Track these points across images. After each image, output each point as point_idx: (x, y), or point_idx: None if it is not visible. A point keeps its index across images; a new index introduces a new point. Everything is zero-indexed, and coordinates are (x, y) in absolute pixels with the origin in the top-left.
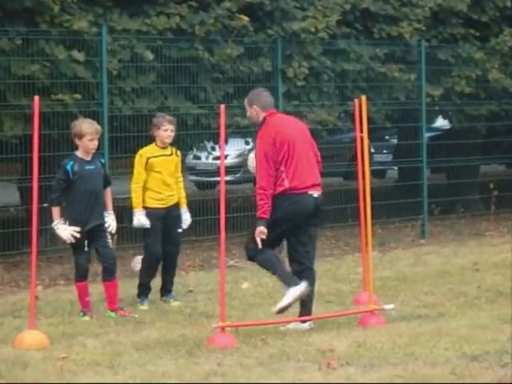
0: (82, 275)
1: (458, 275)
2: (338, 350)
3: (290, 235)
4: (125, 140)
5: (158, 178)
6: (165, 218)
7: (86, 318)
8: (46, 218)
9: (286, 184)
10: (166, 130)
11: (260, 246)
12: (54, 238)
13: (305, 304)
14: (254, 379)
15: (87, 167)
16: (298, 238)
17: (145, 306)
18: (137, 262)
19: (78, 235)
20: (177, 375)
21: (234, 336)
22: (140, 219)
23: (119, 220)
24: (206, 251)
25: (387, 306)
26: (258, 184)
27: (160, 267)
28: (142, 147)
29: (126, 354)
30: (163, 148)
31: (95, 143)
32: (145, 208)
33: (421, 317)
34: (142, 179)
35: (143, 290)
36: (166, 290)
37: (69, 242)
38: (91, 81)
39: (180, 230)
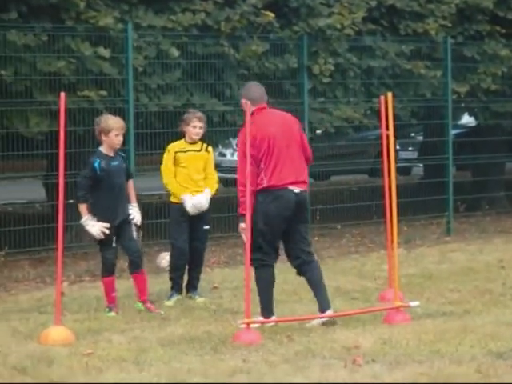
0: (109, 270)
1: (483, 272)
2: (364, 347)
3: (282, 233)
4: (150, 137)
5: (184, 173)
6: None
7: (112, 313)
8: (71, 215)
9: (265, 182)
10: (195, 127)
11: (245, 240)
12: (80, 234)
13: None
14: (279, 376)
15: (113, 163)
16: (290, 236)
17: (170, 302)
18: (162, 258)
19: (108, 231)
20: (202, 372)
21: (260, 333)
22: (193, 201)
23: (144, 217)
24: (231, 248)
25: (413, 303)
26: (238, 180)
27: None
28: (167, 144)
29: (151, 350)
30: (192, 143)
31: (121, 139)
32: (171, 202)
33: (446, 314)
34: (172, 172)
35: (173, 285)
36: (191, 286)
37: (98, 238)
38: (117, 77)
39: (207, 227)
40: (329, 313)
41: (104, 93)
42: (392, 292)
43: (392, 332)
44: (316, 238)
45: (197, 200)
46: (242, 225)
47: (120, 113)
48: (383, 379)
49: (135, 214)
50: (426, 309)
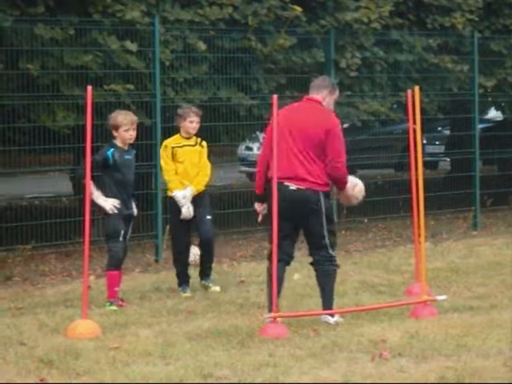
0: (115, 264)
1: (510, 267)
2: (390, 341)
3: (290, 229)
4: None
5: (181, 169)
6: (193, 206)
7: (113, 307)
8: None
9: (268, 174)
10: (192, 122)
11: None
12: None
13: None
14: (306, 370)
15: (126, 156)
16: (304, 233)
17: (187, 293)
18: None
19: (119, 206)
20: (229, 365)
21: (286, 327)
22: (180, 196)
23: (165, 211)
24: (257, 242)
25: (439, 297)
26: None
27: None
28: (199, 139)
29: (177, 344)
30: (187, 138)
31: (131, 133)
32: (170, 198)
33: (473, 308)
34: (173, 169)
35: (181, 278)
36: (204, 274)
37: (111, 212)
38: (144, 71)
39: (209, 217)
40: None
41: (131, 87)
42: (419, 286)
43: (419, 326)
44: (343, 232)
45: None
46: (256, 204)
47: (147, 107)
48: (410, 373)
49: (134, 208)
50: (453, 303)
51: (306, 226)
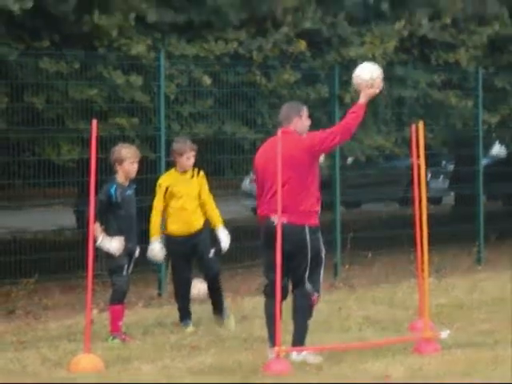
0: (119, 298)
1: None
2: (394, 377)
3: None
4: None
5: (179, 204)
6: (192, 244)
7: (117, 341)
8: None
9: (258, 210)
10: (189, 158)
11: None
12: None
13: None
14: None
15: (128, 192)
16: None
17: (190, 328)
18: (192, 287)
19: (123, 244)
20: None
21: (290, 363)
22: (153, 249)
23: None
24: (261, 276)
25: (443, 333)
26: None
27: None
28: (195, 170)
29: (180, 379)
30: (183, 173)
31: (135, 167)
32: (167, 235)
33: (477, 344)
34: (160, 207)
35: (183, 313)
36: (218, 310)
37: (118, 254)
38: (149, 105)
39: (210, 255)
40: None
41: (136, 120)
42: (422, 322)
43: (422, 362)
44: (347, 266)
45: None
46: None
47: (152, 141)
48: None
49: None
50: (457, 339)
51: (290, 258)
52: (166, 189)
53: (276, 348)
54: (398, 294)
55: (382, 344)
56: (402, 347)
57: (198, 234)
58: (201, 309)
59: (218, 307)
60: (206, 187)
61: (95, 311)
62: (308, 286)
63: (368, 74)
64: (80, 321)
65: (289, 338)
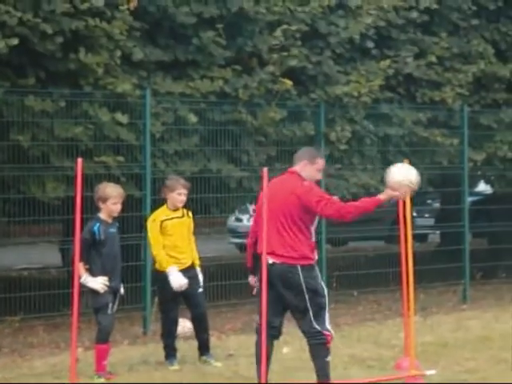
0: (104, 338)
1: (499, 341)
2: None
3: (276, 303)
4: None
5: (170, 241)
6: None
7: (102, 380)
8: None
9: (256, 248)
10: (180, 194)
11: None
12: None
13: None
14: None
15: (111, 230)
16: (280, 304)
17: (175, 366)
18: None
19: (108, 283)
20: None
21: None
22: (175, 278)
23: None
24: (247, 314)
25: (429, 372)
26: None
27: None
28: (185, 210)
29: None
30: (174, 210)
31: (119, 207)
32: (156, 271)
33: (462, 382)
34: (161, 243)
35: (168, 351)
36: (202, 349)
37: (102, 291)
38: (134, 143)
39: (200, 290)
40: None
41: (121, 158)
42: (408, 360)
43: None
44: (332, 306)
45: (181, 278)
46: (249, 278)
47: (137, 178)
48: None
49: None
50: (442, 377)
51: (288, 299)
52: (161, 223)
53: None
54: (384, 333)
55: (369, 383)
56: None
57: (187, 270)
58: (185, 346)
59: (204, 347)
60: (191, 228)
61: (80, 349)
62: (316, 326)
63: (406, 177)
64: (65, 359)
65: (274, 376)
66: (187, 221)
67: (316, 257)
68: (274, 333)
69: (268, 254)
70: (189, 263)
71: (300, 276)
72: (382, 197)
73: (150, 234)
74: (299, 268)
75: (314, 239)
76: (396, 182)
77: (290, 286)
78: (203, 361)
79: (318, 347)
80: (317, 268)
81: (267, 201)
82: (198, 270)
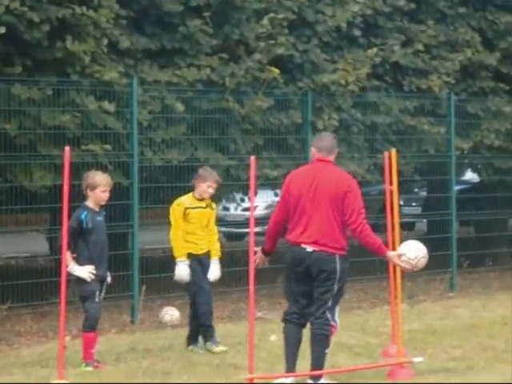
0: (91, 325)
1: (486, 329)
2: None
3: (303, 292)
4: (154, 191)
5: (190, 228)
6: (203, 264)
7: (89, 368)
8: None
9: (286, 235)
10: (209, 187)
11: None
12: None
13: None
14: None
15: (98, 218)
16: (301, 291)
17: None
18: (165, 313)
19: (95, 271)
20: None
21: None
22: (181, 270)
23: (147, 271)
24: (234, 303)
25: (416, 359)
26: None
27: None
28: (171, 198)
29: None
30: (199, 200)
31: (107, 195)
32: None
33: (449, 370)
34: (181, 228)
35: (211, 331)
36: (209, 335)
37: (89, 280)
38: (121, 132)
39: (210, 279)
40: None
41: (108, 147)
42: (395, 348)
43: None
44: None
45: (184, 273)
46: (258, 250)
47: (124, 167)
48: None
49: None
50: (429, 365)
51: (318, 284)
52: (185, 210)
53: (248, 375)
54: (371, 321)
55: (355, 370)
56: (374, 373)
57: (202, 257)
58: (173, 334)
59: (210, 333)
60: (213, 218)
61: (68, 338)
62: (328, 315)
63: (415, 255)
64: (53, 347)
65: (261, 364)
66: (210, 212)
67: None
68: (305, 321)
69: (310, 243)
70: (205, 250)
71: (337, 265)
72: (388, 254)
73: (171, 217)
74: (337, 257)
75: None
76: (410, 258)
77: (325, 272)
78: (207, 348)
79: (321, 337)
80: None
81: (305, 190)
82: (214, 261)
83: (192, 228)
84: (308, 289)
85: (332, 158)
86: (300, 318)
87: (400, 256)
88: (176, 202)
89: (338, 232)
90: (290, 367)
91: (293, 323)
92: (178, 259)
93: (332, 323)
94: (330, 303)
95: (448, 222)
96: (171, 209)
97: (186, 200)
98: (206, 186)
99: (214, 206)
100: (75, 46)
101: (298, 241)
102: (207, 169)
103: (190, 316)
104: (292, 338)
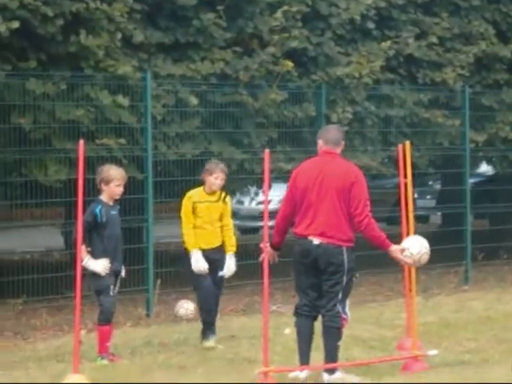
0: (106, 319)
1: (501, 321)
2: None
3: (313, 285)
4: (169, 185)
5: (198, 222)
6: (212, 258)
7: (105, 361)
8: None
9: (293, 229)
10: (217, 178)
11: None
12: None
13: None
14: None
15: (112, 212)
16: (310, 283)
17: (211, 342)
18: (180, 307)
19: (109, 265)
20: None
21: (277, 382)
22: (198, 261)
23: (162, 264)
24: (248, 296)
25: (430, 352)
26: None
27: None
28: (186, 192)
29: None
30: (210, 194)
31: (121, 189)
32: (187, 250)
33: (464, 363)
34: (191, 221)
35: (207, 327)
36: (210, 330)
37: (104, 274)
38: (136, 126)
39: (221, 274)
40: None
41: (123, 141)
42: (410, 341)
43: (410, 381)
44: None
45: (202, 263)
46: (268, 245)
47: (138, 161)
48: None
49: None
50: (444, 358)
51: (327, 277)
52: (193, 204)
53: (263, 369)
54: (386, 314)
55: (370, 363)
56: (389, 366)
57: (217, 249)
58: (188, 328)
59: (207, 329)
60: (228, 213)
61: (83, 332)
62: (339, 307)
63: (418, 250)
64: (68, 341)
65: (276, 357)
66: (221, 206)
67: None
68: (316, 313)
69: (316, 235)
70: (214, 245)
71: (344, 257)
72: (392, 248)
73: (182, 211)
74: (344, 249)
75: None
76: (412, 254)
77: (333, 265)
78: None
79: (332, 330)
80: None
81: (311, 183)
82: (229, 255)
83: (200, 222)
84: (317, 281)
85: (339, 150)
86: (311, 310)
87: (403, 251)
88: (186, 196)
89: (345, 224)
90: (304, 360)
91: (304, 316)
92: (192, 252)
93: (343, 316)
94: (340, 296)
95: (462, 215)
96: (182, 203)
97: (195, 194)
98: (214, 177)
99: (227, 199)
100: (89, 40)
101: (305, 233)
102: (213, 161)
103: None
104: (304, 331)
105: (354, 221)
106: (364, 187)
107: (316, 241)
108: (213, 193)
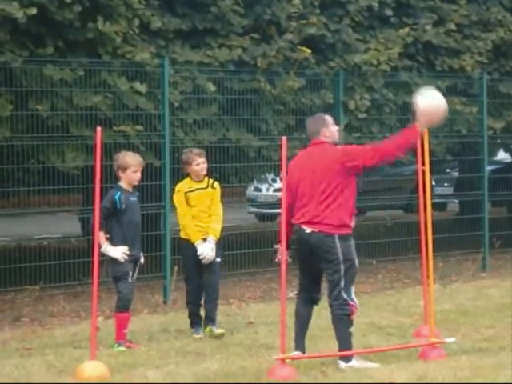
0: (124, 306)
1: None
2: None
3: (312, 271)
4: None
5: (193, 211)
6: None
7: (122, 348)
8: None
9: (292, 219)
10: (198, 164)
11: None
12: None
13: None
14: None
15: (132, 198)
16: (316, 272)
17: (200, 335)
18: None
19: (128, 252)
20: None
21: (294, 368)
22: (204, 250)
23: (177, 252)
24: (266, 283)
25: (448, 340)
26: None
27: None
28: (211, 180)
29: None
30: (198, 181)
31: (139, 175)
32: (181, 239)
33: (482, 350)
34: (188, 214)
35: (194, 320)
36: (209, 318)
37: (122, 260)
38: (153, 112)
39: (218, 259)
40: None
41: (140, 128)
42: (427, 328)
43: (427, 368)
44: None
45: (209, 250)
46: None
47: (156, 148)
48: None
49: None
50: (462, 345)
51: (324, 268)
52: (185, 194)
53: (280, 355)
54: (403, 301)
55: (387, 350)
56: (406, 353)
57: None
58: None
59: (211, 316)
60: (216, 199)
61: (100, 318)
62: (344, 295)
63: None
64: (85, 328)
65: (293, 344)
66: (212, 192)
67: (353, 224)
68: (313, 300)
69: (306, 223)
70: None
71: (337, 245)
72: (419, 123)
73: (176, 205)
74: (336, 237)
75: (354, 203)
76: (426, 108)
77: (327, 257)
78: (209, 331)
79: (342, 317)
80: (352, 237)
81: (303, 174)
82: (209, 239)
83: (195, 211)
84: (314, 269)
85: (323, 137)
86: (308, 297)
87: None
88: (176, 189)
89: (338, 207)
90: (299, 347)
91: (302, 300)
92: (195, 243)
93: (351, 302)
94: (342, 283)
95: (480, 203)
96: (174, 198)
97: (184, 185)
98: (195, 165)
99: (215, 185)
100: (107, 26)
101: (299, 222)
102: (185, 151)
103: (204, 297)
104: (300, 317)
105: (372, 163)
106: (354, 146)
107: (308, 229)
108: (201, 180)
